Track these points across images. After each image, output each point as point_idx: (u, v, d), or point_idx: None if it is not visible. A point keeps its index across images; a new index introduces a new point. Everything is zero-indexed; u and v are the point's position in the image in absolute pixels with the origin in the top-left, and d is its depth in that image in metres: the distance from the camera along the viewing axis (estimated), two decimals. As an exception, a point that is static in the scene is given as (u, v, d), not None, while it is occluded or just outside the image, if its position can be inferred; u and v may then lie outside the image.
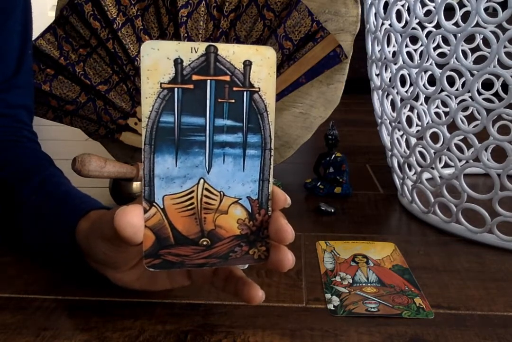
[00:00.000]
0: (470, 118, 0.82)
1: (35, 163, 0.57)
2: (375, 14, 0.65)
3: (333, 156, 0.76)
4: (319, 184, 0.76)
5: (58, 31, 0.72)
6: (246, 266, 0.50)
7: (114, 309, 0.44)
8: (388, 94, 0.68)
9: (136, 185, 0.66)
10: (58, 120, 0.76)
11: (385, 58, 0.65)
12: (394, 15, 0.60)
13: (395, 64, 0.64)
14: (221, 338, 0.40)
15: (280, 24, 0.71)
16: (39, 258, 0.51)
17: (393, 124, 0.66)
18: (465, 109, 0.85)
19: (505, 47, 0.71)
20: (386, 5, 0.62)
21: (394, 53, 0.64)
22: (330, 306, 0.45)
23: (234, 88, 0.33)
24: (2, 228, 0.54)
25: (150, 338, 0.39)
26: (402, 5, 0.69)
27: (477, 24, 0.62)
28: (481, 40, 0.82)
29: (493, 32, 0.71)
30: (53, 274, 0.49)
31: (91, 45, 0.73)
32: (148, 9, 0.72)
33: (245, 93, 0.33)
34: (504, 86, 0.61)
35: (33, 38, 0.65)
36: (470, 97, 0.64)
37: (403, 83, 0.68)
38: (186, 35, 0.72)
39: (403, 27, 0.60)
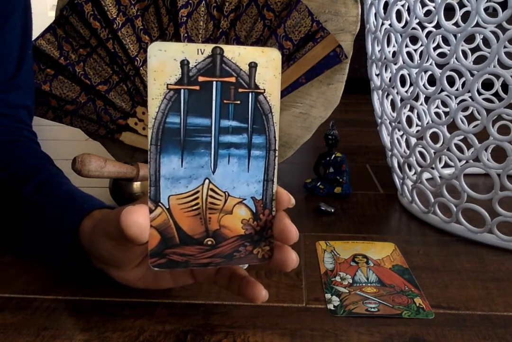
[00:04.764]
0: (470, 118, 0.82)
1: (35, 163, 0.57)
2: (375, 14, 0.65)
3: (333, 156, 0.76)
4: (319, 184, 0.76)
5: (58, 31, 0.73)
6: (246, 266, 0.50)
7: (114, 309, 0.44)
8: (388, 94, 0.68)
9: (136, 185, 0.66)
10: (58, 120, 0.76)
11: (385, 58, 0.65)
12: (394, 15, 0.60)
13: (395, 64, 0.64)
14: (221, 338, 0.40)
15: (280, 24, 0.71)
16: (39, 258, 0.51)
17: (393, 124, 0.66)
18: (465, 109, 0.85)
19: (505, 47, 0.72)
20: (386, 5, 0.62)
21: (394, 53, 0.64)
22: (330, 306, 0.45)
23: (240, 90, 0.33)
24: (2, 228, 0.54)
25: (150, 338, 0.39)
26: (402, 5, 0.69)
27: (477, 24, 0.62)
28: (481, 40, 0.82)
29: (493, 32, 0.71)
30: (53, 274, 0.49)
31: (91, 45, 0.73)
32: (148, 9, 0.72)
33: (250, 94, 0.33)
34: (504, 86, 0.61)
35: (33, 38, 0.65)
36: (470, 97, 0.64)
37: (403, 83, 0.68)
38: (186, 35, 0.72)
39: (403, 27, 0.60)
